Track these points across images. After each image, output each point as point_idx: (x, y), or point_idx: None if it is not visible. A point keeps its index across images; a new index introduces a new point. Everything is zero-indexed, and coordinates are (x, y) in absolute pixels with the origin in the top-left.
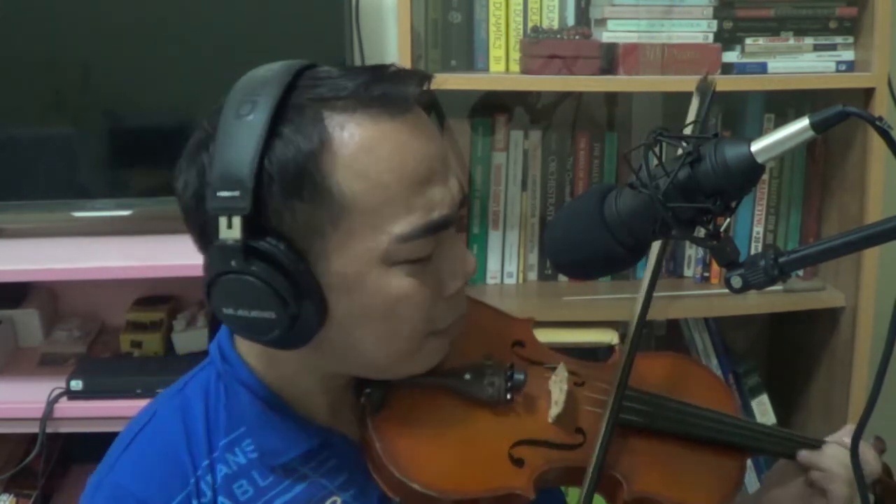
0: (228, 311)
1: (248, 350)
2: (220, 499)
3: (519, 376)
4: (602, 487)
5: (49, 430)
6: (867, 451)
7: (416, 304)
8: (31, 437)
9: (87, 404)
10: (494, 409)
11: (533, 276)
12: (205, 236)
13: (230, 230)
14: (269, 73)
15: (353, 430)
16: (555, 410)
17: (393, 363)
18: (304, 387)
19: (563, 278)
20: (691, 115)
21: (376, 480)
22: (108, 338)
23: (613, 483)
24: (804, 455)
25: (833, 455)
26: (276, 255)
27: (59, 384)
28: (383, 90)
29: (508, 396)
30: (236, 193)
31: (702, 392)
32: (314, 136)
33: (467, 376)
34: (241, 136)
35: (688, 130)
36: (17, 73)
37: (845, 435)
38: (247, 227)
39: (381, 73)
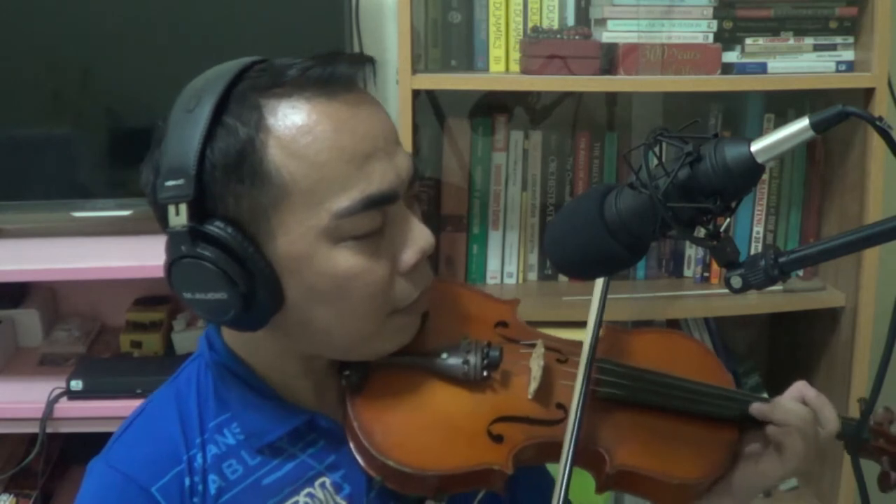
0: (187, 294)
1: (233, 339)
2: (211, 476)
3: (494, 353)
4: (587, 462)
5: (49, 430)
6: (826, 408)
7: (368, 281)
8: (31, 437)
9: (86, 404)
10: (473, 387)
11: (533, 276)
12: (164, 228)
13: (178, 217)
14: (217, 70)
15: (340, 413)
16: (533, 386)
17: (357, 342)
18: (287, 371)
19: (563, 278)
20: None
21: (357, 460)
22: (108, 338)
23: (597, 457)
24: (756, 407)
25: (789, 408)
26: (222, 237)
27: (59, 384)
28: (319, 73)
29: (485, 373)
30: (181, 182)
31: (691, 365)
32: (251, 122)
33: (444, 355)
34: (186, 129)
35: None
36: (17, 73)
37: (795, 391)
38: (193, 212)
39: (322, 58)
